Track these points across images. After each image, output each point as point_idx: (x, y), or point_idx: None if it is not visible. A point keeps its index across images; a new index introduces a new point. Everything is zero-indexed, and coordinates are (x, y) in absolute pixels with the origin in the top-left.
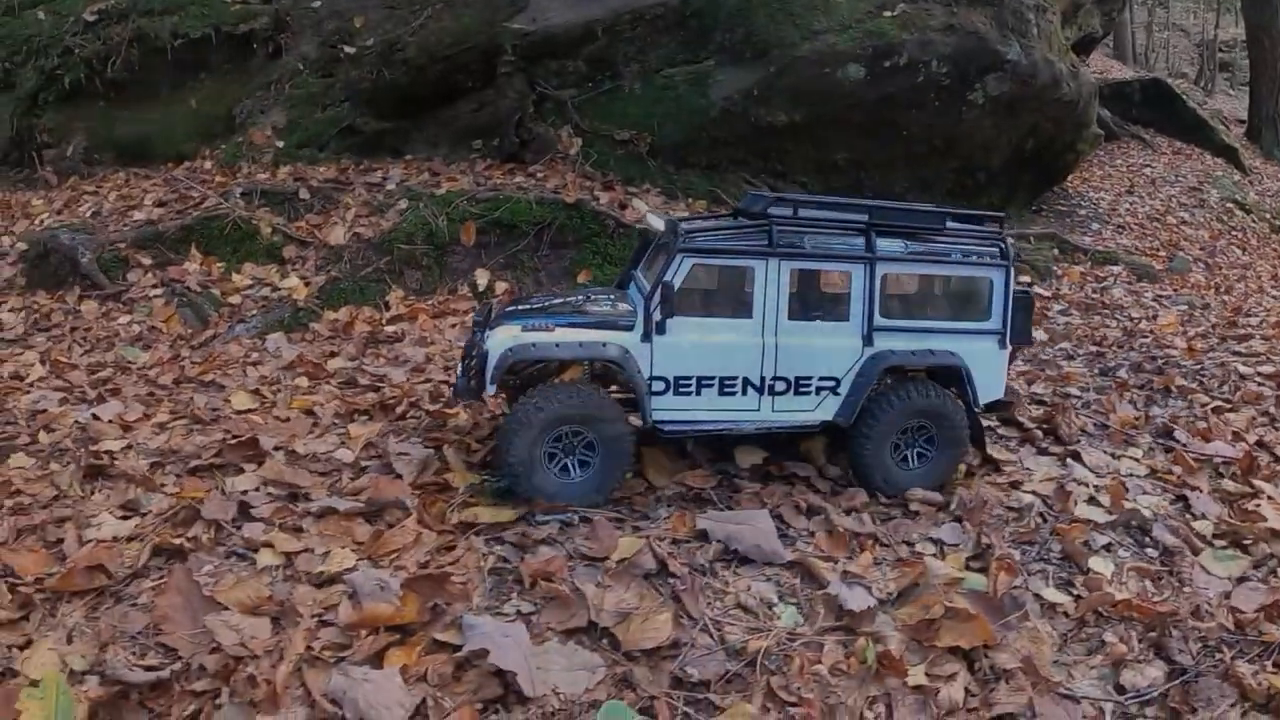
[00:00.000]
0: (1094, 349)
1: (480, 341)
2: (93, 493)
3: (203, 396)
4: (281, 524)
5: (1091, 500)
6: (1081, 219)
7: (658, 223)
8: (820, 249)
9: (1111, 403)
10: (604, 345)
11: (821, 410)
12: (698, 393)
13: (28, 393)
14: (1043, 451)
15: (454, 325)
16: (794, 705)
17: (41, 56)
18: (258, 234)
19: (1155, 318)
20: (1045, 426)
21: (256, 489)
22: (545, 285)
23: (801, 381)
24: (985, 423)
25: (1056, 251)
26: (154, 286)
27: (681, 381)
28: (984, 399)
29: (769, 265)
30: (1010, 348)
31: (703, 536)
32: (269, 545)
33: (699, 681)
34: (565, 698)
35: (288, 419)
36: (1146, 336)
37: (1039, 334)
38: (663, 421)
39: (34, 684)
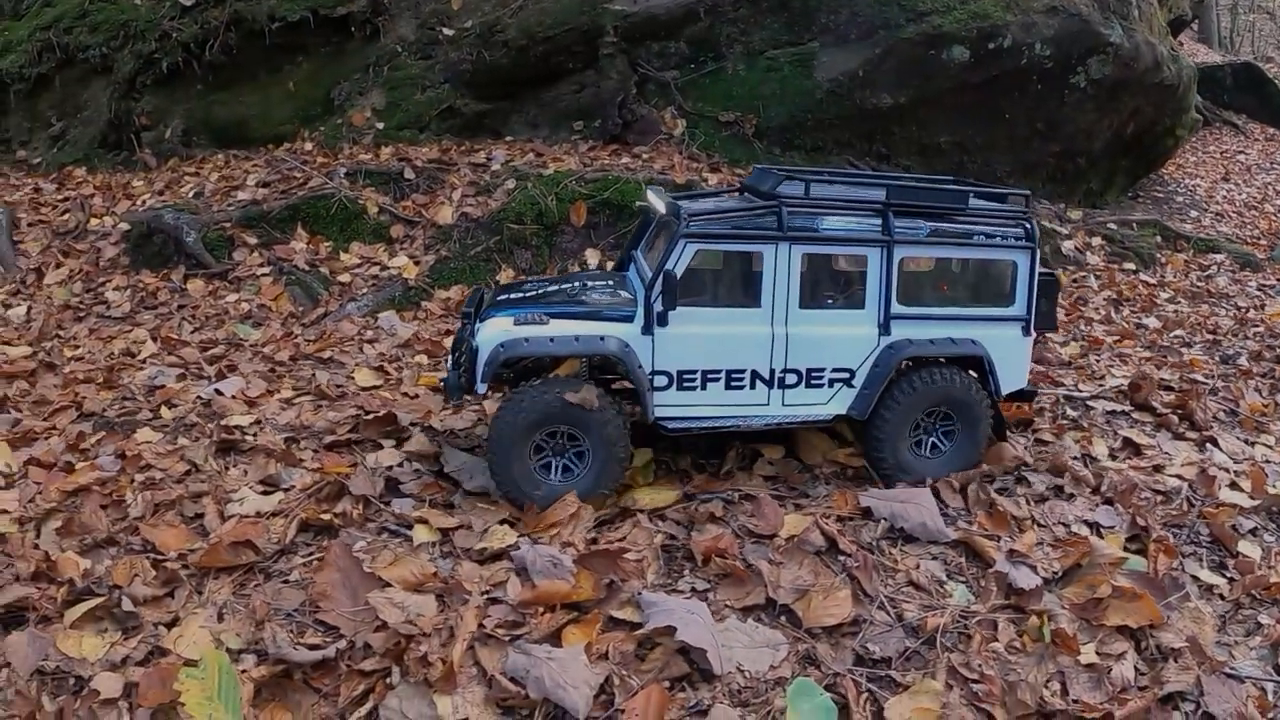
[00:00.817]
0: (1209, 337)
1: (470, 334)
2: (228, 468)
3: (324, 373)
4: (432, 500)
5: (1234, 485)
6: (1179, 206)
7: (658, 202)
8: (834, 231)
9: (1239, 390)
10: (601, 339)
11: (835, 403)
12: (703, 388)
13: (141, 368)
14: (1179, 436)
15: None
16: (976, 682)
17: (138, 41)
18: (364, 213)
19: (1263, 307)
20: (1179, 412)
21: (400, 464)
22: None
23: (814, 374)
24: (1114, 407)
25: (1159, 239)
26: (261, 265)
27: (686, 376)
28: (1006, 388)
29: (779, 250)
30: (1034, 335)
31: (866, 514)
32: (423, 521)
33: (880, 659)
34: (750, 675)
35: (416, 395)
36: (1258, 325)
37: (1151, 320)
38: (666, 419)
39: (190, 663)
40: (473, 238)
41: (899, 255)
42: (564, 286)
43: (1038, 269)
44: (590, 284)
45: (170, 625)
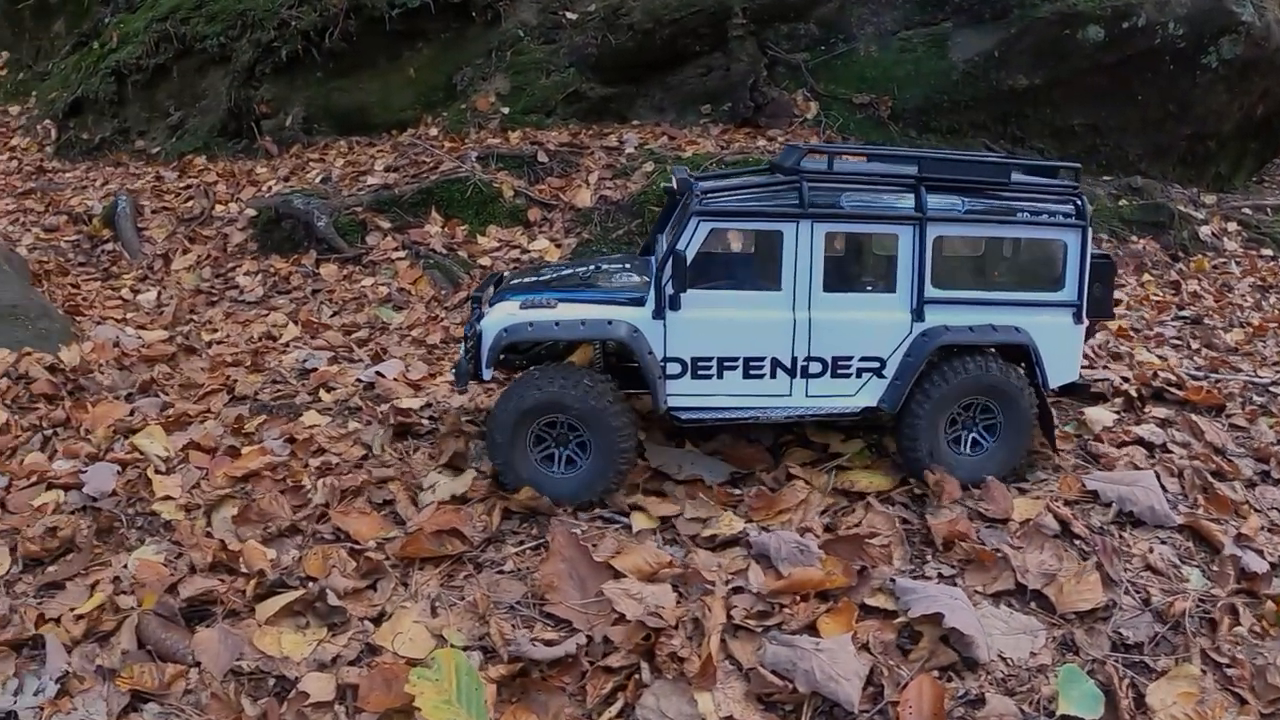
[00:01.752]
0: None
1: (475, 319)
2: (410, 452)
3: None
4: (645, 487)
5: None
6: None
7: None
8: (860, 208)
9: None
10: (609, 323)
11: (864, 395)
12: (719, 376)
13: (285, 351)
14: None
15: None
16: (1229, 666)
17: (257, 30)
18: (499, 197)
19: None
20: None
21: None
22: None
23: (840, 362)
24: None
25: None
26: (395, 249)
27: (700, 363)
28: (1055, 381)
29: (799, 229)
30: (1087, 323)
31: (1093, 497)
32: (639, 509)
33: (1133, 644)
34: (1012, 663)
35: None
36: None
37: None
38: (679, 408)
39: (414, 663)
40: (613, 220)
41: (933, 234)
42: (578, 270)
43: (1090, 250)
44: (606, 267)
45: (376, 620)
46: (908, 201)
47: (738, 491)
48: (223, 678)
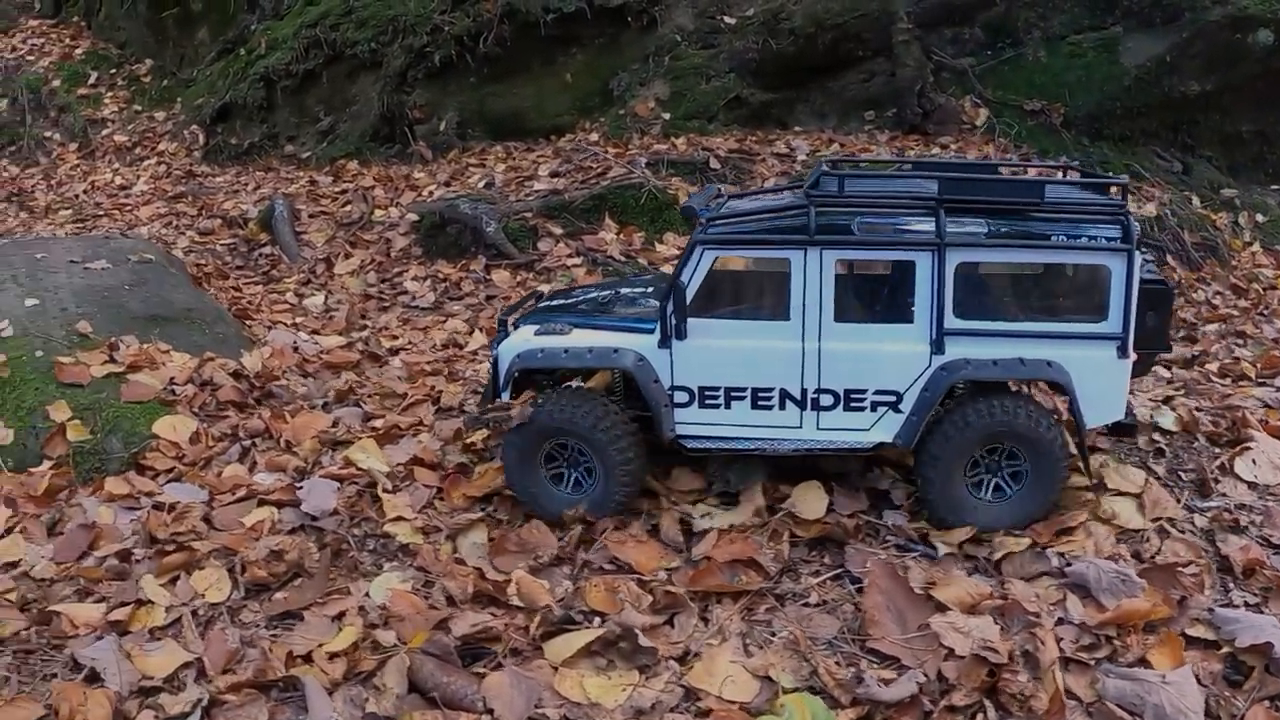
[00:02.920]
0: None
1: (495, 343)
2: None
3: None
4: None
5: None
6: None
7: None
8: (873, 233)
9: None
10: (615, 352)
11: (879, 430)
12: (727, 406)
13: (476, 360)
14: None
15: None
16: None
17: (408, 35)
18: (675, 204)
19: None
20: None
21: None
22: None
23: (853, 395)
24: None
25: None
26: (570, 255)
27: (708, 393)
28: (1095, 420)
29: (808, 256)
30: (1135, 356)
31: None
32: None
33: None
34: None
35: None
36: None
37: None
38: (687, 436)
39: (748, 709)
40: None
41: (953, 261)
42: (601, 294)
43: (1139, 276)
44: (627, 291)
45: (681, 659)
46: (927, 225)
47: None
48: None
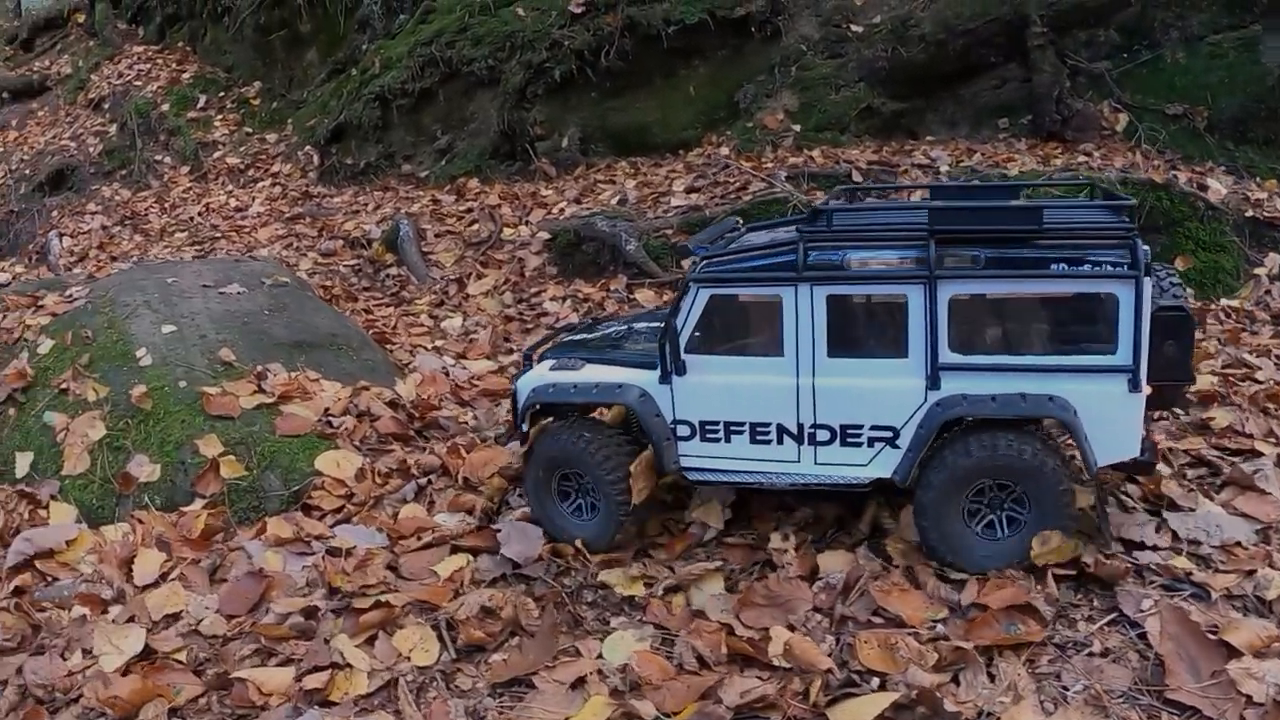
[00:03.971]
0: None
1: (515, 377)
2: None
3: None
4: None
5: None
6: None
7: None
8: (863, 268)
9: None
10: (618, 388)
11: (877, 465)
12: (727, 439)
13: None
14: None
15: None
16: None
17: (527, 51)
18: None
19: None
20: None
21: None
22: None
23: (850, 430)
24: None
25: None
26: None
27: (708, 427)
28: (1107, 458)
29: (799, 292)
30: (1149, 390)
31: None
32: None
33: None
34: None
35: None
36: None
37: None
38: (690, 468)
39: None
40: None
41: (945, 293)
42: (618, 330)
43: (1150, 303)
44: (640, 327)
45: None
46: (920, 256)
47: None
48: None
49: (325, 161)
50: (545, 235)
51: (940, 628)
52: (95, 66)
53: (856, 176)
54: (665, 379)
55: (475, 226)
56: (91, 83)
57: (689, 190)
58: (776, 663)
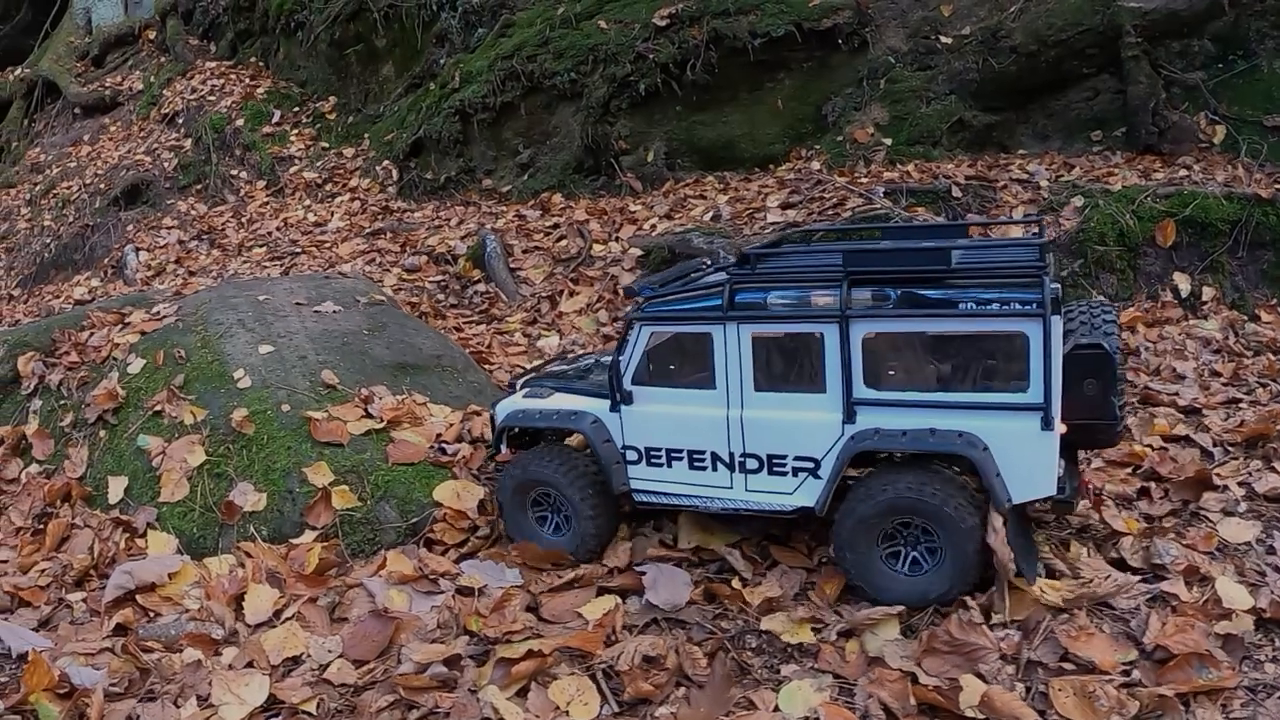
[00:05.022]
0: None
1: (494, 404)
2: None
3: None
4: None
5: None
6: None
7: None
8: (781, 308)
9: None
10: (574, 415)
11: (801, 494)
12: (669, 465)
13: None
14: None
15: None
16: None
17: (610, 65)
18: None
19: None
20: None
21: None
22: (1244, 291)
23: (775, 460)
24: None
25: None
26: None
27: (653, 453)
28: (1019, 495)
29: (726, 330)
30: (1063, 428)
31: None
32: None
33: None
34: None
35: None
36: None
37: None
38: (637, 490)
39: None
40: (1057, 260)
41: (858, 332)
42: (588, 363)
43: (1060, 341)
44: (606, 360)
45: None
46: (834, 297)
47: None
48: None
49: (404, 176)
50: (637, 252)
51: (1135, 673)
52: (167, 82)
53: (956, 192)
54: (615, 408)
55: (564, 242)
56: (164, 98)
57: (784, 206)
58: (970, 714)
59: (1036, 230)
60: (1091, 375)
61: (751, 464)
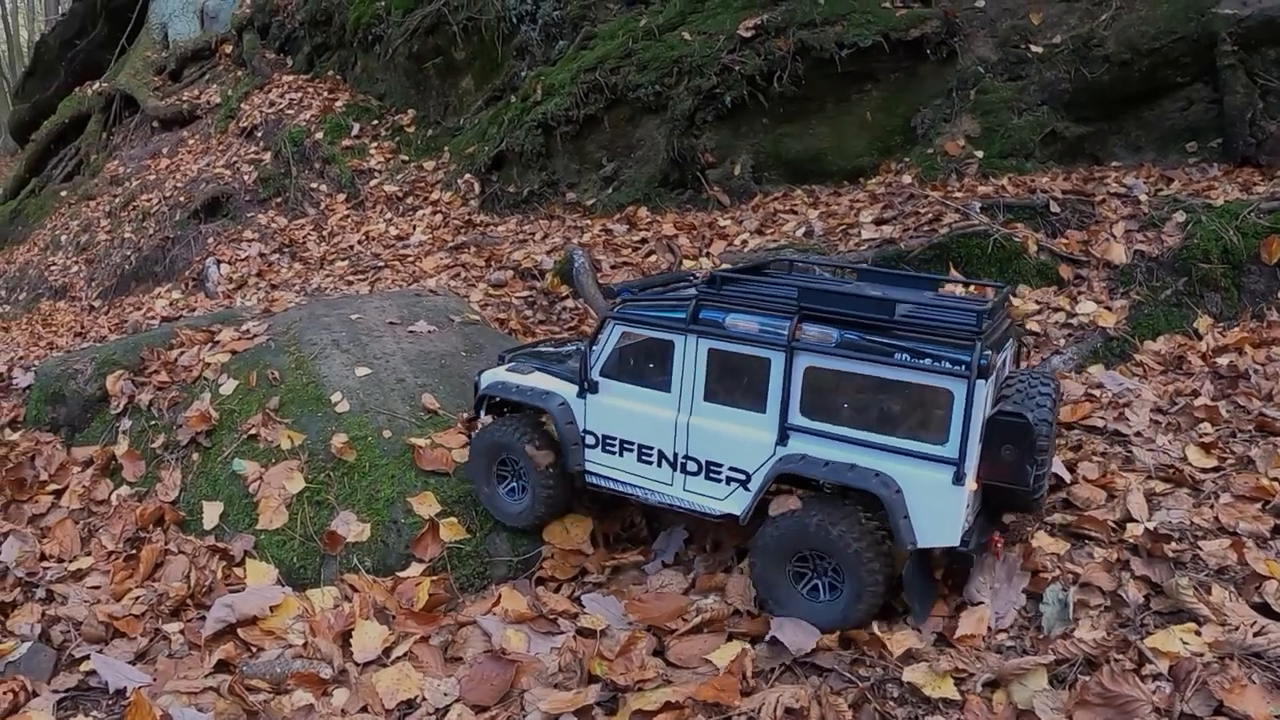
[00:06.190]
0: None
1: (479, 372)
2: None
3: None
4: None
5: None
6: None
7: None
8: (738, 330)
9: None
10: (545, 394)
11: (731, 502)
12: (620, 454)
13: None
14: None
15: None
16: None
17: (695, 77)
18: (1024, 253)
19: None
20: None
21: None
22: None
23: (712, 467)
24: None
25: None
26: None
27: (608, 440)
28: (924, 540)
29: (686, 341)
30: (974, 486)
31: None
32: None
33: None
34: None
35: None
36: None
37: None
38: (589, 472)
39: None
40: (1157, 279)
41: (801, 363)
42: (568, 349)
43: (984, 404)
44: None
45: None
46: (786, 327)
47: None
48: None
49: (486, 189)
50: (728, 268)
51: None
52: (245, 95)
53: (1054, 207)
54: (582, 394)
55: (653, 258)
56: (242, 111)
57: (878, 222)
58: None
59: (995, 295)
60: (1010, 442)
61: (692, 466)
